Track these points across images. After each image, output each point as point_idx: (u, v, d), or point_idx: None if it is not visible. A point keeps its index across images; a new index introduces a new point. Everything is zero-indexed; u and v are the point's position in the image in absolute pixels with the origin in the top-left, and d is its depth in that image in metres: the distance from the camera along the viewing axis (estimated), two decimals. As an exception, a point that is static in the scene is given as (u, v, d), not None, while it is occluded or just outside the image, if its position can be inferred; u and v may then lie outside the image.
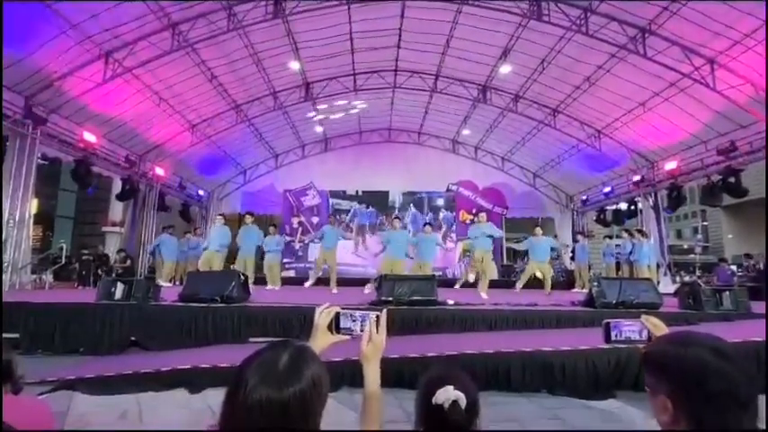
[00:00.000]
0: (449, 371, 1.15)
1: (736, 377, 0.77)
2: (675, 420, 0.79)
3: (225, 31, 9.18)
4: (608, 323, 1.20)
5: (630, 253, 10.33)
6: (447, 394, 1.01)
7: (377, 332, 1.16)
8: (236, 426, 0.77)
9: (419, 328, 5.37)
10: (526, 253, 9.95)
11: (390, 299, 5.84)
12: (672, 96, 10.16)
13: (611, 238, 12.49)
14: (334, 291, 8.76)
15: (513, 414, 3.54)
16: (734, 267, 14.20)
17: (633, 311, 5.49)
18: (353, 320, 1.19)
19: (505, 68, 11.34)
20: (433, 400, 1.02)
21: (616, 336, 1.19)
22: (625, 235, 11.09)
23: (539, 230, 9.27)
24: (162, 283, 8.47)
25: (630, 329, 1.18)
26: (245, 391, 0.77)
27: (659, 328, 1.16)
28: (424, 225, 9.77)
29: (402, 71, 12.79)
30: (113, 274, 10.37)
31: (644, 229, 12.29)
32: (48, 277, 10.18)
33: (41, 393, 3.52)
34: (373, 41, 11.19)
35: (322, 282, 9.65)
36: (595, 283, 6.35)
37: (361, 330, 1.18)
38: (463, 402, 1.01)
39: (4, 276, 7.97)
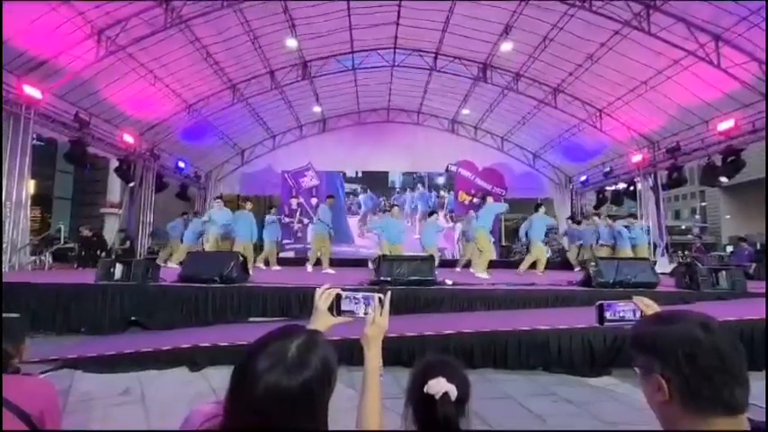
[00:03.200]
0: (442, 360, 1.14)
1: (726, 350, 0.77)
2: (669, 398, 0.79)
3: (219, 7, 8.95)
4: (601, 305, 1.21)
5: (611, 237, 10.14)
6: (438, 386, 1.01)
7: (380, 314, 1.14)
8: (243, 412, 0.76)
9: (417, 307, 5.42)
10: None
11: (389, 279, 5.87)
12: (675, 75, 9.99)
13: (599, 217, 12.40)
14: (331, 271, 8.82)
15: (509, 391, 3.60)
16: (731, 248, 14.24)
17: (630, 291, 5.54)
18: (355, 302, 1.17)
19: (506, 46, 11.10)
20: (425, 390, 1.01)
21: (610, 316, 1.19)
22: (597, 219, 10.95)
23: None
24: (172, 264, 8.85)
25: (623, 310, 1.19)
26: (254, 376, 0.75)
27: (651, 307, 1.16)
28: (430, 214, 9.88)
29: (401, 49, 12.53)
30: (113, 255, 10.41)
31: (641, 210, 12.32)
32: (47, 258, 10.20)
33: (44, 372, 3.57)
34: (372, 18, 10.92)
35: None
36: (593, 263, 6.39)
37: (364, 312, 1.16)
38: (454, 394, 1.01)
39: (3, 257, 7.98)
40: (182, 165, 14.31)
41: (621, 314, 1.19)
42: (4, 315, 1.77)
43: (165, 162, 13.57)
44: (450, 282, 6.25)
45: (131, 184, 12.34)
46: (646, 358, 0.84)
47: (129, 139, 11.44)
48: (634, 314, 1.18)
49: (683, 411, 0.77)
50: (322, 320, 1.16)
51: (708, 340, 0.78)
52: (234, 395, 0.78)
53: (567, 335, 4.18)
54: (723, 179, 10.38)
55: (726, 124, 9.74)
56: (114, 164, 11.79)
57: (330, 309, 1.17)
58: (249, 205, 9.52)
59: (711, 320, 0.82)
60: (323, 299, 1.18)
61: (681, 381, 0.78)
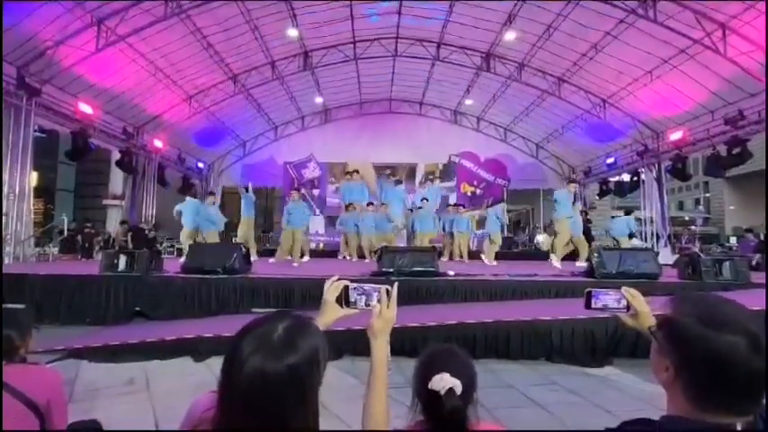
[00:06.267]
0: (445, 350, 1.13)
1: (762, 370, 0.70)
2: (673, 382, 0.77)
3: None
4: (589, 291, 1.26)
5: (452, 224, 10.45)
6: (443, 382, 1.00)
7: (387, 306, 1.13)
8: (231, 399, 0.75)
9: (419, 298, 5.43)
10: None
11: (391, 270, 5.88)
12: (680, 64, 9.87)
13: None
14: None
15: (511, 381, 3.62)
16: (734, 239, 14.15)
17: (632, 281, 5.54)
18: (363, 294, 1.16)
19: (510, 35, 10.98)
20: (429, 386, 1.01)
21: (595, 303, 1.24)
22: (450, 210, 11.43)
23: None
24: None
25: (610, 298, 1.23)
26: (240, 361, 0.75)
27: (636, 298, 1.19)
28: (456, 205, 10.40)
29: (403, 38, 12.42)
30: (117, 247, 10.47)
31: (644, 200, 12.31)
32: (51, 250, 10.27)
33: (50, 362, 3.60)
34: (374, 7, 10.81)
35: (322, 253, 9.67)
36: (596, 254, 6.37)
37: (372, 304, 1.15)
38: (459, 389, 1.01)
39: (7, 249, 8.04)
40: (183, 156, 14.31)
41: (606, 302, 1.24)
42: (10, 306, 1.79)
43: (166, 154, 13.55)
44: (452, 272, 6.25)
45: (132, 175, 12.34)
46: (668, 345, 0.79)
47: (130, 130, 11.42)
48: (619, 303, 1.22)
49: (683, 396, 0.76)
50: (330, 312, 1.16)
51: (750, 361, 0.70)
52: (223, 382, 0.77)
53: (568, 325, 4.18)
54: (728, 169, 10.33)
55: (731, 114, 9.64)
56: (116, 156, 11.77)
57: (338, 301, 1.17)
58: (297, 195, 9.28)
59: (760, 331, 0.72)
60: (331, 290, 1.17)
61: (693, 381, 0.75)
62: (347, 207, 10.26)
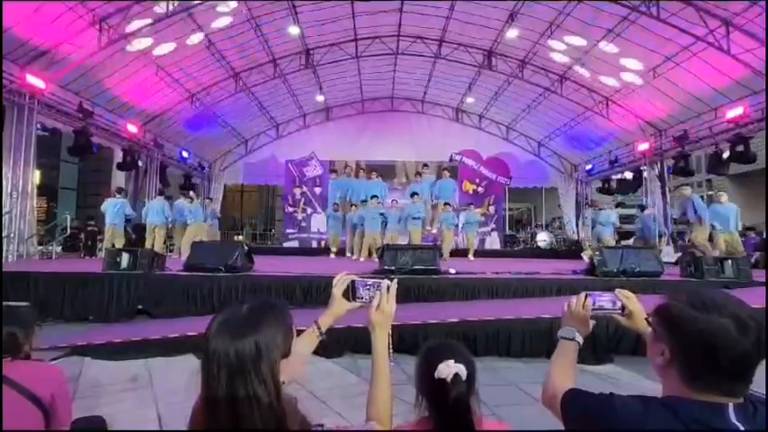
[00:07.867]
0: (444, 343, 1.16)
1: (750, 352, 0.76)
2: (668, 365, 0.82)
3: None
4: (585, 295, 1.28)
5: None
6: (448, 369, 1.03)
7: (386, 301, 1.15)
8: (205, 378, 0.81)
9: (421, 296, 5.44)
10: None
11: (393, 268, 5.89)
12: (684, 61, 9.82)
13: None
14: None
15: (512, 377, 3.63)
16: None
17: (634, 280, 5.53)
18: (368, 289, 1.19)
19: (512, 33, 10.95)
20: (436, 375, 1.03)
21: (591, 306, 1.25)
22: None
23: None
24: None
25: (605, 300, 1.25)
26: (207, 341, 0.82)
27: (630, 299, 1.23)
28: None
29: (405, 36, 12.39)
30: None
31: (647, 199, 12.31)
32: (54, 248, 10.30)
33: (54, 359, 3.62)
34: (375, 5, 10.78)
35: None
36: (597, 252, 6.37)
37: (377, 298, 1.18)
38: (464, 374, 1.04)
39: (10, 247, 8.07)
40: (185, 155, 14.32)
41: (601, 304, 1.25)
42: (14, 303, 1.81)
43: (168, 152, 13.58)
44: (453, 271, 6.26)
45: (133, 171, 12.34)
46: (664, 330, 0.85)
47: (132, 129, 11.44)
48: (614, 305, 1.25)
49: (678, 378, 0.81)
50: (338, 306, 1.20)
51: (737, 342, 0.75)
52: (201, 369, 0.83)
53: (570, 323, 4.18)
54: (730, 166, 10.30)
55: (734, 111, 9.59)
56: (118, 154, 11.78)
57: (345, 295, 1.20)
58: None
59: (746, 314, 0.78)
60: (338, 285, 1.21)
61: (687, 362, 0.80)
62: (335, 206, 10.62)
